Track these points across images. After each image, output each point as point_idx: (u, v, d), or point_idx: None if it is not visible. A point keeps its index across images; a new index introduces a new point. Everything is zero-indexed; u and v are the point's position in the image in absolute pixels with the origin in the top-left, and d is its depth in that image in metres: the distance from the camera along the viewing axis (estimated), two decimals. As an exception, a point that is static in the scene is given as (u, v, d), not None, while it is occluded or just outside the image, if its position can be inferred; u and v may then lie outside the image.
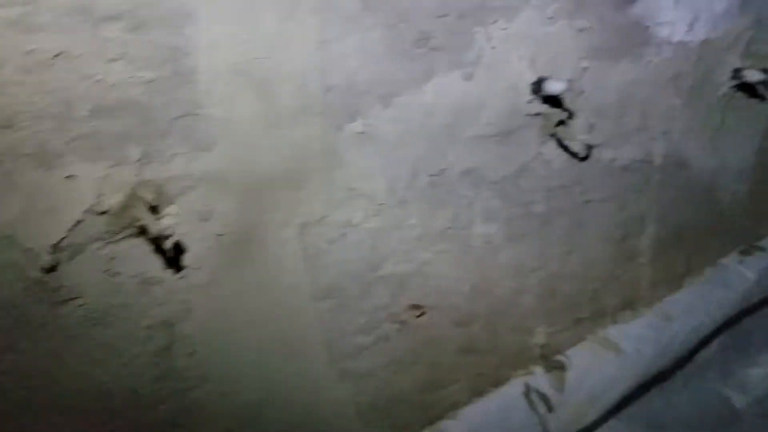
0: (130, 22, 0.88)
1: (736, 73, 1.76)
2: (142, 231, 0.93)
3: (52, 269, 0.90)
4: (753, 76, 1.74)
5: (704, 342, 1.93)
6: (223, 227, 1.04)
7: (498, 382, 1.50)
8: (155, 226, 0.90)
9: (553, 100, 1.38)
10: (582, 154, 1.45)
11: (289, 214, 1.10)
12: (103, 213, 0.91)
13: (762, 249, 2.08)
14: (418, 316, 1.34)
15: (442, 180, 1.31)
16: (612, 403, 1.62)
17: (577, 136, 1.43)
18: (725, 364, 2.10)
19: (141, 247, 0.96)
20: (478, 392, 1.46)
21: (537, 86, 1.35)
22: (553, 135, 1.44)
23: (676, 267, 1.88)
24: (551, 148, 1.47)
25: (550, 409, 1.50)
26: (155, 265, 0.99)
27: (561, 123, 1.43)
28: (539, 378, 1.53)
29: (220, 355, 1.11)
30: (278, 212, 1.08)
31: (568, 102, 1.40)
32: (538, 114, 1.39)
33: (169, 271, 1.00)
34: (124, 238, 0.94)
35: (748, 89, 1.82)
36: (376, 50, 1.13)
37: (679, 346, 1.79)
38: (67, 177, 0.88)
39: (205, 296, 1.06)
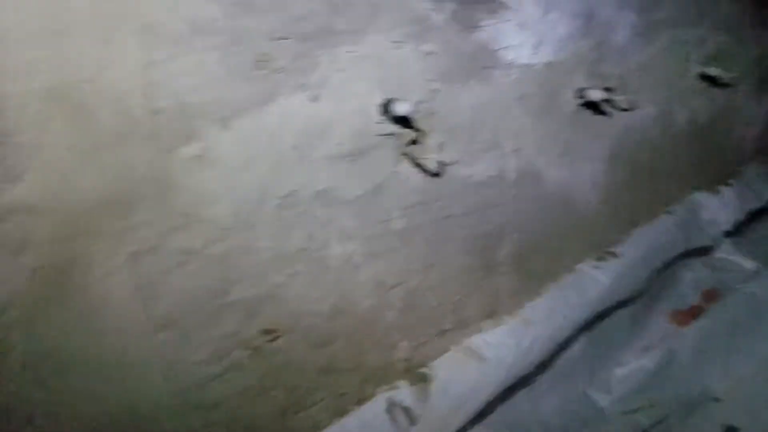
0: None
1: (580, 92, 1.90)
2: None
3: None
4: (595, 94, 1.88)
5: (565, 345, 2.05)
6: (39, 260, 0.98)
7: (362, 400, 1.51)
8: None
9: (404, 121, 1.42)
10: (435, 171, 1.51)
11: (117, 243, 1.05)
12: None
13: (615, 254, 2.25)
14: (272, 341, 1.33)
15: (294, 202, 1.31)
16: (475, 410, 1.68)
17: (429, 154, 1.49)
18: (589, 365, 2.24)
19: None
20: (341, 412, 1.47)
21: (385, 107, 1.39)
22: (406, 154, 1.48)
23: (535, 275, 1.99)
24: (407, 167, 1.51)
25: (412, 421, 1.53)
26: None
27: (413, 142, 1.48)
28: (403, 392, 1.56)
29: (47, 395, 1.05)
30: (103, 242, 1.04)
31: (418, 122, 1.45)
32: (390, 134, 1.43)
33: (-24, 311, 0.93)
34: None
35: (593, 107, 1.98)
36: (210, 73, 1.11)
37: (539, 350, 1.89)
38: None
39: (24, 334, 0.99)
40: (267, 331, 1.32)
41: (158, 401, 1.17)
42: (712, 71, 2.49)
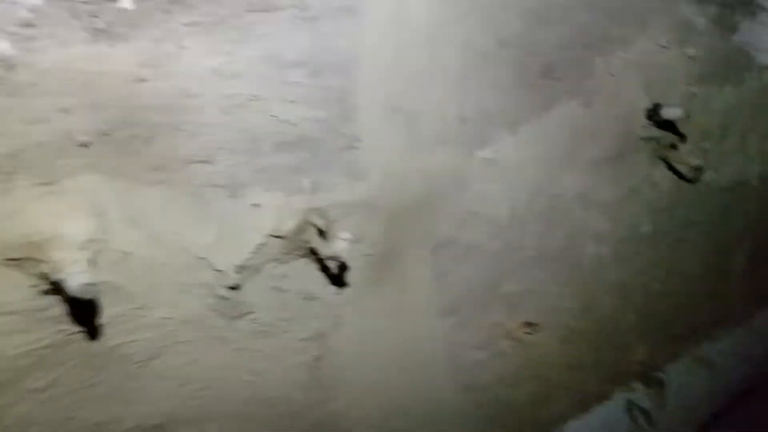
0: (311, 68, 1.04)
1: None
2: (312, 252, 1.09)
3: (235, 287, 1.06)
4: None
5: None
6: (371, 248, 1.19)
7: (600, 398, 1.63)
8: (326, 249, 1.06)
9: (668, 125, 1.50)
10: (690, 176, 1.57)
11: (424, 235, 1.24)
12: (280, 237, 1.07)
13: None
14: (531, 334, 1.48)
15: (558, 203, 1.44)
16: (704, 417, 1.74)
17: (686, 159, 1.55)
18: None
19: (307, 267, 1.12)
20: (583, 407, 1.59)
21: (653, 112, 1.48)
22: (663, 158, 1.56)
23: (768, 285, 1.99)
24: (659, 171, 1.59)
25: (650, 424, 1.62)
26: (316, 282, 1.14)
27: (673, 147, 1.55)
28: (640, 394, 1.65)
29: (356, 367, 1.26)
30: (416, 234, 1.23)
31: (680, 127, 1.53)
32: (651, 138, 1.52)
33: (327, 288, 1.16)
34: (293, 258, 1.10)
35: None
36: (505, 81, 1.27)
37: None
38: (252, 205, 1.04)
39: (353, 311, 1.21)
40: (527, 324, 1.47)
41: (440, 381, 1.36)
42: None
